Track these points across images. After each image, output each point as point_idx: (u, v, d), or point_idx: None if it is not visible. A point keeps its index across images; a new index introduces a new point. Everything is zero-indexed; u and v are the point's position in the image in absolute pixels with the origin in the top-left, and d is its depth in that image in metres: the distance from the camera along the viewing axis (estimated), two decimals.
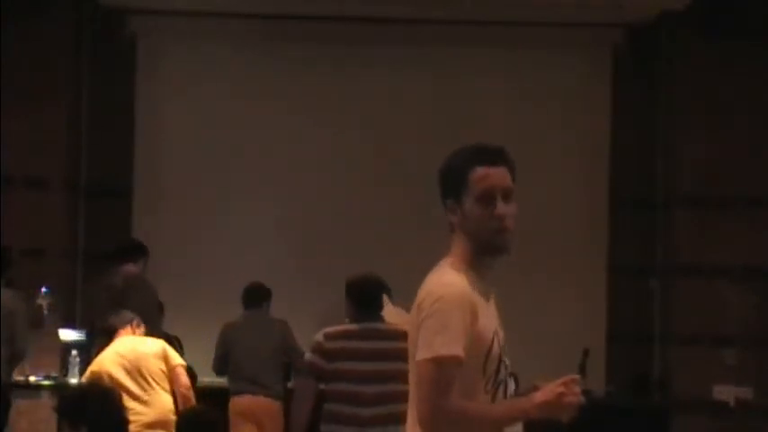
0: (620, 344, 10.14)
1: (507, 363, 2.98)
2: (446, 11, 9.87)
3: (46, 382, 8.76)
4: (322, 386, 5.86)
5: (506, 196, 2.94)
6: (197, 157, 10.27)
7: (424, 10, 9.89)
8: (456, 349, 2.80)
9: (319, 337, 5.78)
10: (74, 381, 8.54)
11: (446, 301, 2.84)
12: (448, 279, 2.90)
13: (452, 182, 2.97)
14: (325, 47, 10.31)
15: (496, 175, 2.93)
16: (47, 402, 8.71)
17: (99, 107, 10.17)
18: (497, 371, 2.92)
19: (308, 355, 5.96)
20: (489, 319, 2.93)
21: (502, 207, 2.92)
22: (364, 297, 5.83)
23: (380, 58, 10.35)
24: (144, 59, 10.39)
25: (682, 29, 9.81)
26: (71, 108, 9.87)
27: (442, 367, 2.80)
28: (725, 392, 9.49)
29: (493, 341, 2.91)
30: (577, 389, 2.89)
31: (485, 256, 2.97)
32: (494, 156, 2.97)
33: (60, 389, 8.59)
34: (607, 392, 9.79)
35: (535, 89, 10.28)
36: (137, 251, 8.75)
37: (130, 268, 8.57)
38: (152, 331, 8.14)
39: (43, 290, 8.90)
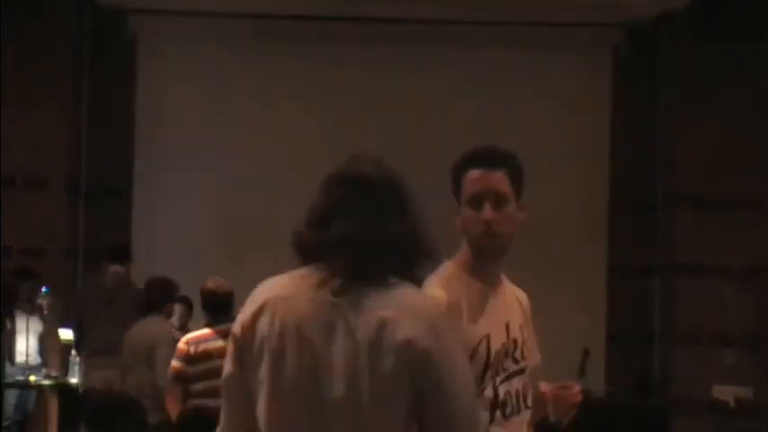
0: (620, 344, 10.14)
1: (506, 365, 2.93)
2: (447, 11, 9.87)
3: (46, 382, 8.74)
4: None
5: (498, 201, 2.89)
6: (197, 156, 10.26)
7: (424, 10, 9.89)
8: None
9: (182, 345, 6.39)
10: (74, 381, 8.54)
11: None
12: (428, 292, 2.70)
13: (453, 184, 2.97)
14: (325, 47, 10.30)
15: (488, 179, 2.89)
16: (47, 402, 8.72)
17: (99, 107, 10.17)
18: (483, 374, 2.87)
19: (174, 362, 6.41)
20: (478, 324, 2.89)
21: (489, 212, 2.87)
22: (216, 302, 6.46)
23: (381, 58, 10.34)
24: (144, 59, 10.39)
25: (682, 29, 9.82)
26: (71, 108, 9.87)
27: None
28: (725, 392, 9.49)
29: (479, 345, 2.87)
30: (577, 388, 2.91)
31: (479, 258, 2.95)
32: (489, 159, 2.93)
33: (61, 389, 8.61)
34: (607, 392, 9.79)
35: (535, 89, 10.28)
36: (124, 254, 8.75)
37: (118, 269, 8.56)
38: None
39: (43, 290, 8.89)
